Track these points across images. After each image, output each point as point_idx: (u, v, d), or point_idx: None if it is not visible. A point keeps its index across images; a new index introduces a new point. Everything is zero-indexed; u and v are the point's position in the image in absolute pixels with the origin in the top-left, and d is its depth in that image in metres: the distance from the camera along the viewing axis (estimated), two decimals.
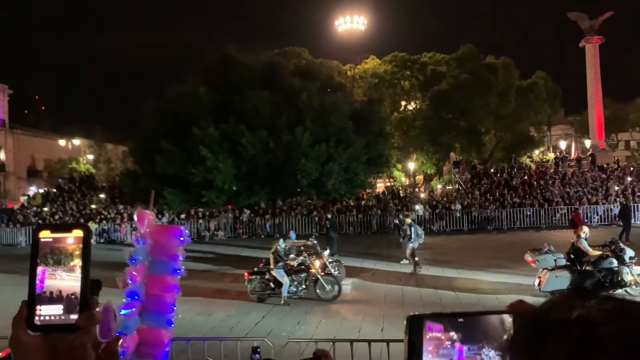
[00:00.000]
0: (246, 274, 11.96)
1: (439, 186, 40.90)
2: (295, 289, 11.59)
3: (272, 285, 11.57)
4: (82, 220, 26.64)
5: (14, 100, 48.94)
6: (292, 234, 14.64)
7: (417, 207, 27.17)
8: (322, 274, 11.80)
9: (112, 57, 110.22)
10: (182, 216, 26.73)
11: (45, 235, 0.76)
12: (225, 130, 26.43)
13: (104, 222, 26.98)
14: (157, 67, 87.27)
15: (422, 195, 34.39)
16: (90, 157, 52.31)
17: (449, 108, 39.27)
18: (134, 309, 4.69)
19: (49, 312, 0.74)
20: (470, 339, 0.73)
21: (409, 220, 16.25)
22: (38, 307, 0.74)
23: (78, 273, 0.76)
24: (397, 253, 16.95)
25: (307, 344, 6.50)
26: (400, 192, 35.28)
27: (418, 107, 43.43)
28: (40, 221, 27.50)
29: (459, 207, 26.67)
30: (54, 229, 0.77)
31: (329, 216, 23.11)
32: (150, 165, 27.15)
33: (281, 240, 12.66)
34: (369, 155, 29.38)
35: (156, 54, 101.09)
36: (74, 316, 0.74)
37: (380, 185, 43.87)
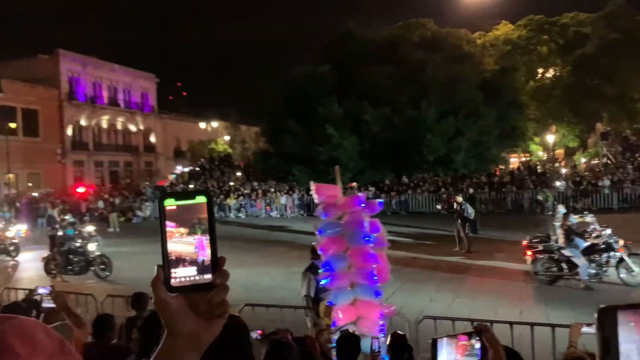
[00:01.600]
0: (530, 253, 10.82)
1: (583, 160, 37.21)
2: (594, 271, 10.10)
3: (564, 266, 10.30)
4: (222, 196, 28.88)
5: (159, 88, 54.23)
6: (561, 208, 12.53)
7: (558, 183, 24.98)
8: (627, 253, 10.19)
9: (243, 42, 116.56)
10: (311, 192, 27.63)
11: (171, 202, 0.80)
12: (348, 108, 26.60)
13: (241, 197, 28.88)
14: (283, 49, 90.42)
15: (564, 171, 31.54)
16: (227, 138, 56.25)
17: (595, 73, 35.33)
18: (329, 279, 4.79)
19: (183, 274, 0.79)
20: None
21: (459, 199, 15.49)
22: (173, 270, 0.79)
23: (206, 235, 0.79)
24: (533, 233, 15.75)
25: (442, 323, 6.28)
26: (538, 167, 32.70)
27: (557, 74, 39.70)
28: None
29: (607, 182, 23.96)
30: (179, 196, 0.81)
31: (471, 191, 22.12)
32: (279, 144, 28.39)
33: (571, 215, 11.30)
34: (502, 128, 27.59)
35: (283, 36, 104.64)
36: (208, 276, 0.79)
37: (515, 161, 41.06)
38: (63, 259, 13.34)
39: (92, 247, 13.44)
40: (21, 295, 8.11)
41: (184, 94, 68.57)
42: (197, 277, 0.79)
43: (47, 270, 13.67)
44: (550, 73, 40.67)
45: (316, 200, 5.26)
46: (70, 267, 13.28)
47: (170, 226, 0.79)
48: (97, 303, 7.80)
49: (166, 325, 0.79)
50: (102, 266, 13.19)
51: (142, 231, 23.73)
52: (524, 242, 11.29)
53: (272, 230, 21.61)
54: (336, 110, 26.21)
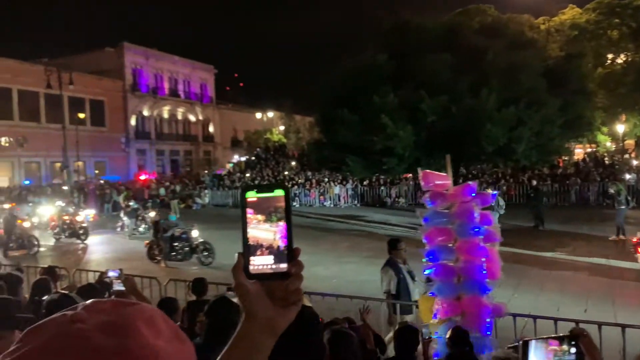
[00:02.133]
0: None
1: None
2: None
3: None
4: None
5: (217, 79, 55.52)
6: None
7: (628, 175, 23.61)
8: None
9: (299, 33, 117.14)
10: (365, 183, 27.49)
11: (251, 195, 0.86)
12: (403, 97, 26.16)
13: (295, 187, 29.22)
14: (338, 38, 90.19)
15: (635, 163, 29.73)
16: (282, 128, 56.94)
17: None
18: (433, 269, 4.72)
19: (261, 262, 0.84)
20: None
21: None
22: (251, 258, 0.84)
23: (283, 226, 0.84)
24: (600, 227, 15.03)
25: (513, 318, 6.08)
26: (606, 158, 30.98)
27: (629, 59, 37.25)
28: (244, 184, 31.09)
29: None
30: (259, 189, 0.86)
31: (534, 183, 21.38)
32: (333, 134, 28.38)
33: None
34: (566, 117, 26.26)
35: (339, 25, 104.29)
36: (284, 265, 0.83)
37: (580, 152, 39.07)
38: (167, 245, 13.36)
39: (195, 233, 13.41)
40: (91, 277, 8.60)
41: (241, 85, 69.90)
42: (273, 266, 0.84)
43: (151, 256, 13.84)
44: (621, 59, 38.24)
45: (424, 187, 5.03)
46: (173, 254, 13.30)
47: (249, 216, 0.85)
48: (161, 286, 8.13)
49: (245, 309, 0.84)
50: (206, 253, 13.14)
51: (202, 218, 24.52)
52: (634, 239, 10.70)
53: (325, 220, 21.76)
54: (391, 99, 25.85)
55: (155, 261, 13.67)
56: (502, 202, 15.54)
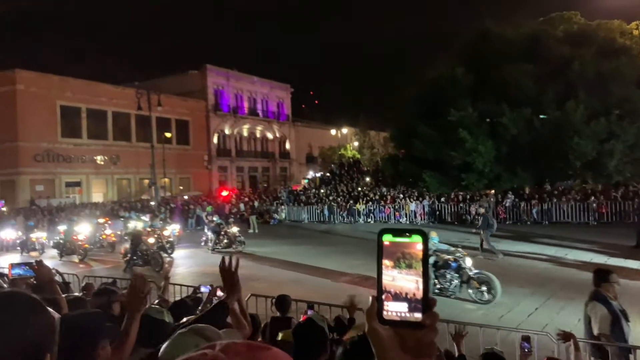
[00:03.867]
0: None
1: None
2: None
3: None
4: (351, 201, 29.37)
5: (293, 97, 56.93)
6: None
7: None
8: None
9: (371, 48, 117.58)
10: (442, 199, 26.81)
11: (388, 238, 0.84)
12: (483, 110, 25.40)
13: (370, 203, 29.08)
14: (413, 52, 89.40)
15: None
16: (356, 143, 57.13)
17: None
18: None
19: (395, 308, 0.82)
20: None
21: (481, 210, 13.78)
22: (385, 303, 0.82)
23: (419, 275, 0.82)
24: None
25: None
26: None
27: None
28: (319, 201, 31.41)
29: None
30: (395, 233, 0.84)
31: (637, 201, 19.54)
32: (409, 149, 28.06)
33: None
34: None
35: (411, 38, 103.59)
36: (418, 315, 0.81)
37: None
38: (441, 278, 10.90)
39: (468, 262, 10.65)
40: (178, 290, 9.03)
41: (316, 102, 71.24)
42: (407, 314, 0.82)
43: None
44: None
45: None
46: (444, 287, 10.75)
47: (385, 261, 0.84)
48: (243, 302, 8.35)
49: (376, 353, 0.83)
50: (483, 287, 10.14)
51: (279, 232, 25.08)
52: None
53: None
54: (470, 113, 25.19)
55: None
56: (492, 221, 15.31)
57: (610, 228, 20.20)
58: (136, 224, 20.58)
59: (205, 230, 20.43)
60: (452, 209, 25.88)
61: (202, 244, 19.72)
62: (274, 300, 6.12)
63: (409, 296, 0.82)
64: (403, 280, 0.83)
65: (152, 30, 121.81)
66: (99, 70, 72.86)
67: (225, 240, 18.81)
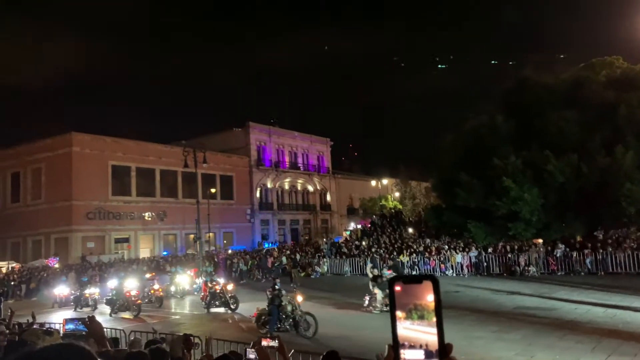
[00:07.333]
0: None
1: None
2: None
3: None
4: (394, 254, 28.87)
5: (333, 149, 57.73)
6: None
7: None
8: None
9: (410, 98, 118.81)
10: (489, 250, 25.98)
11: (399, 286, 0.86)
12: (527, 158, 24.91)
13: (414, 255, 28.49)
14: (453, 100, 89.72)
15: None
16: (397, 194, 56.81)
17: None
18: None
19: (411, 356, 0.82)
20: None
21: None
22: (402, 351, 0.83)
23: (432, 325, 0.83)
24: None
25: None
26: None
27: None
28: (361, 253, 31.05)
29: None
30: (407, 280, 0.86)
31: None
32: (452, 198, 27.59)
33: None
34: None
35: (451, 87, 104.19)
36: None
37: None
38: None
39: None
40: (221, 345, 9.01)
41: (355, 154, 71.92)
42: None
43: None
44: None
45: None
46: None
47: (398, 312, 0.85)
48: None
49: None
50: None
51: (320, 286, 24.76)
52: None
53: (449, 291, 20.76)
54: (513, 161, 24.76)
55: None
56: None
57: None
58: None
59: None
60: (500, 260, 25.01)
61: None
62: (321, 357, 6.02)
63: (424, 343, 0.83)
64: (419, 326, 0.84)
65: (200, 91, 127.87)
66: (148, 130, 76.62)
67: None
